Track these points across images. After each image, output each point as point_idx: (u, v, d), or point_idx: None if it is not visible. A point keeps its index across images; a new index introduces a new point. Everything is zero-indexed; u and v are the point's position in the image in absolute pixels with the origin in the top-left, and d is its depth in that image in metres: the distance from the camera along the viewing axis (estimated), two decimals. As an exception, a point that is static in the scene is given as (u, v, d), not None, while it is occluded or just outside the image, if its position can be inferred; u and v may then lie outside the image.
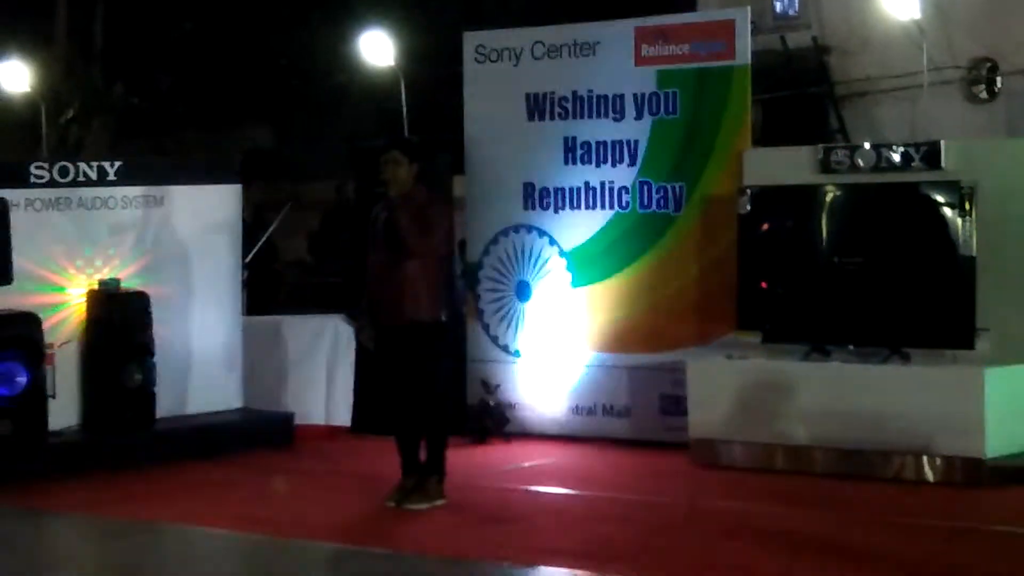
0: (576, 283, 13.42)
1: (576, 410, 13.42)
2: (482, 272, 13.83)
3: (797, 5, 15.79)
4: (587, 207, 13.39)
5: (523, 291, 13.67)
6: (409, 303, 10.62)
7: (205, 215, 13.32)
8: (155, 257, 13.01)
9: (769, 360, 12.09)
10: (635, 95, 13.18)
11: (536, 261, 13.61)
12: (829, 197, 12.13)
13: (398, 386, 10.75)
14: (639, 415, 13.11)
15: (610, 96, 13.29)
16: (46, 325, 12.12)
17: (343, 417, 13.82)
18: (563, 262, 13.49)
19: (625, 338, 13.19)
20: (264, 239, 15.37)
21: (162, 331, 12.67)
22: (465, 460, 12.09)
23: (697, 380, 12.21)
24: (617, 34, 13.28)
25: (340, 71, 17.23)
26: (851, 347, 11.87)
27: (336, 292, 15.17)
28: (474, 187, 13.93)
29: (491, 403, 13.52)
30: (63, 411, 12.35)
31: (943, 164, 11.81)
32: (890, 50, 13.80)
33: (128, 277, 12.77)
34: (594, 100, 13.37)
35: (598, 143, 13.35)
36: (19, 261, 12.02)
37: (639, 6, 13.57)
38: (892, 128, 13.73)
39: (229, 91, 20.01)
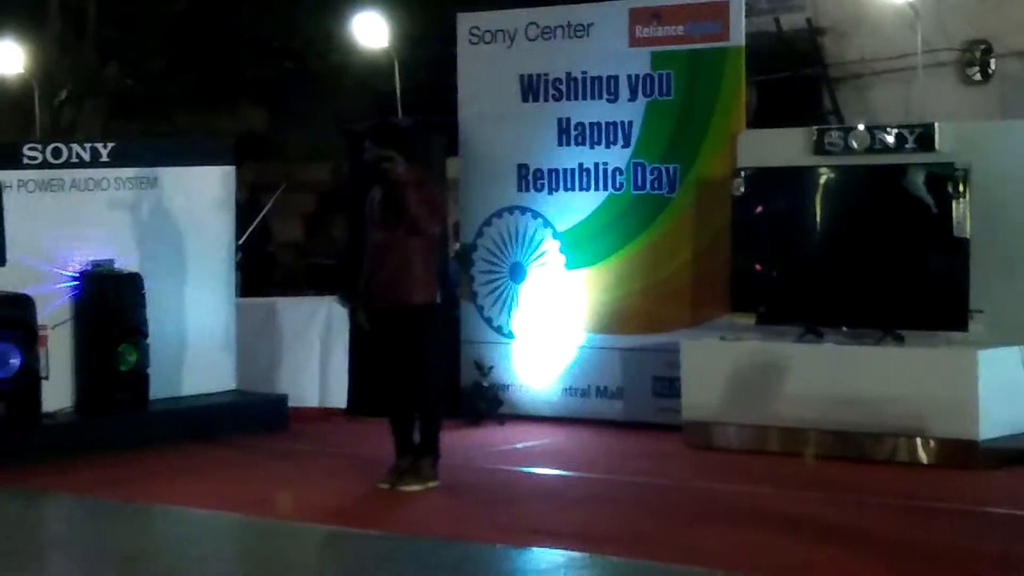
0: (570, 264, 13.41)
1: (569, 392, 13.42)
2: (476, 254, 13.82)
3: (791, -14, 15.77)
4: (581, 188, 13.38)
5: (517, 273, 13.66)
6: (405, 284, 10.62)
7: (199, 197, 13.30)
8: (148, 239, 12.99)
9: (763, 342, 12.09)
10: (629, 76, 13.16)
11: (530, 243, 13.60)
12: (823, 179, 12.12)
13: (392, 367, 10.75)
14: (632, 397, 13.11)
15: (604, 77, 13.27)
16: (39, 307, 12.10)
17: (337, 399, 13.81)
18: (557, 243, 13.48)
19: (619, 320, 13.19)
20: (258, 221, 15.34)
21: (155, 313, 12.66)
22: (459, 442, 12.10)
23: (691, 362, 12.21)
24: (611, 15, 13.26)
25: (334, 53, 17.19)
26: (845, 329, 11.87)
27: (330, 274, 15.15)
28: (468, 169, 13.92)
29: (485, 385, 13.52)
30: (56, 393, 12.34)
31: (937, 146, 11.80)
32: (884, 32, 13.79)
33: (121, 259, 12.75)
34: (588, 81, 13.36)
35: (592, 124, 13.33)
36: (12, 243, 12.01)
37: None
38: (886, 110, 13.72)
39: (223, 73, 19.97)
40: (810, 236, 12.11)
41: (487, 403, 13.45)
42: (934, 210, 11.52)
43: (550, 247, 13.51)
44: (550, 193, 13.53)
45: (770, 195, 12.29)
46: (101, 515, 10.51)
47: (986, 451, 11.06)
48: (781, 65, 14.92)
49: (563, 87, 13.47)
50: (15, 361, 11.90)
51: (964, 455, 11.06)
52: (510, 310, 13.67)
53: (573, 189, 13.42)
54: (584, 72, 13.37)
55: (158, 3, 20.06)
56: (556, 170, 13.50)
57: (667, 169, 13.03)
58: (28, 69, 17.39)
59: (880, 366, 11.47)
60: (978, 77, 13.52)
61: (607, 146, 13.28)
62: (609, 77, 13.25)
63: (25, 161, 12.49)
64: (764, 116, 13.53)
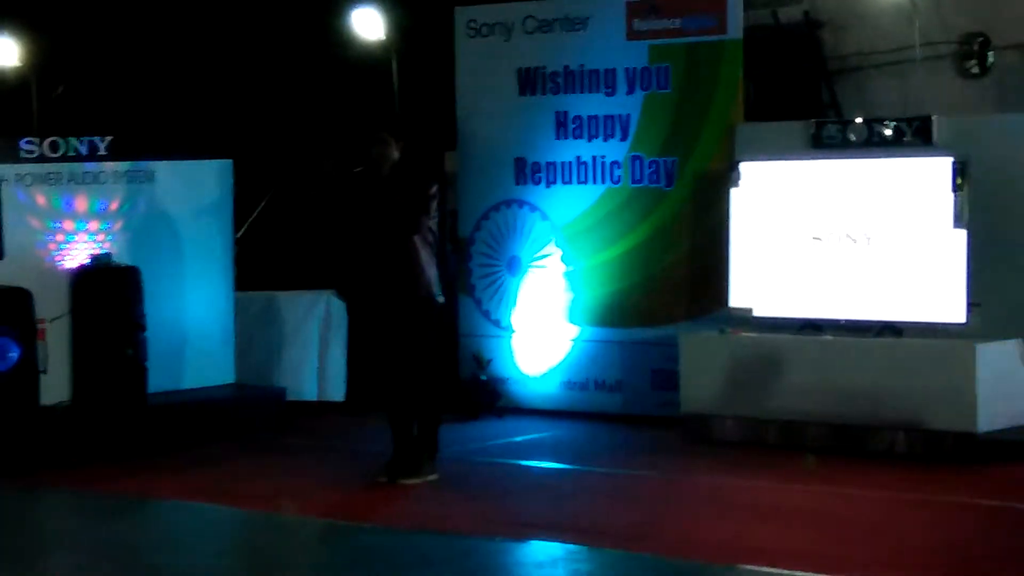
0: (568, 258, 13.41)
1: (568, 385, 13.43)
2: (474, 247, 13.82)
3: (789, -21, 15.74)
4: (579, 182, 13.38)
5: (515, 266, 13.66)
6: (404, 280, 10.61)
7: (197, 190, 13.29)
8: (146, 232, 12.98)
9: (761, 335, 12.08)
10: (627, 70, 13.16)
11: (528, 236, 13.60)
12: (821, 172, 12.12)
13: (390, 361, 10.74)
14: (631, 390, 13.12)
15: (602, 71, 13.27)
16: (37, 300, 12.09)
17: (335, 392, 13.80)
18: (555, 237, 13.47)
19: (617, 312, 13.19)
20: (256, 214, 15.30)
21: (154, 306, 12.64)
22: (457, 435, 12.10)
23: (689, 355, 12.21)
24: (608, 8, 13.25)
25: (331, 46, 17.16)
26: (843, 322, 11.87)
27: (326, 268, 15.11)
28: (465, 162, 13.92)
29: (483, 378, 13.52)
30: (55, 386, 12.33)
31: (935, 139, 11.80)
32: (882, 25, 13.75)
33: (120, 252, 12.74)
34: (585, 75, 13.35)
35: (590, 118, 13.33)
36: (10, 236, 12.01)
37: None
38: (884, 103, 13.68)
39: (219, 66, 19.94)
40: (808, 229, 12.09)
41: (485, 396, 13.45)
42: (932, 203, 11.52)
43: (548, 240, 13.50)
44: (548, 186, 13.53)
45: (768, 188, 12.28)
46: (99, 509, 10.51)
47: (985, 444, 11.06)
48: (779, 58, 14.89)
49: (561, 80, 13.46)
50: (13, 354, 11.89)
51: (963, 448, 11.07)
52: (508, 303, 13.67)
53: (571, 182, 13.41)
54: (582, 65, 13.37)
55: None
56: (554, 163, 13.49)
57: (665, 162, 13.03)
58: (25, 62, 17.35)
59: (879, 359, 11.47)
60: (976, 70, 13.49)
61: (605, 139, 13.28)
62: (607, 70, 13.25)
63: (23, 155, 12.49)
64: (762, 109, 13.51)
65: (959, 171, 11.40)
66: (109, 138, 12.91)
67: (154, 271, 12.73)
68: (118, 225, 12.87)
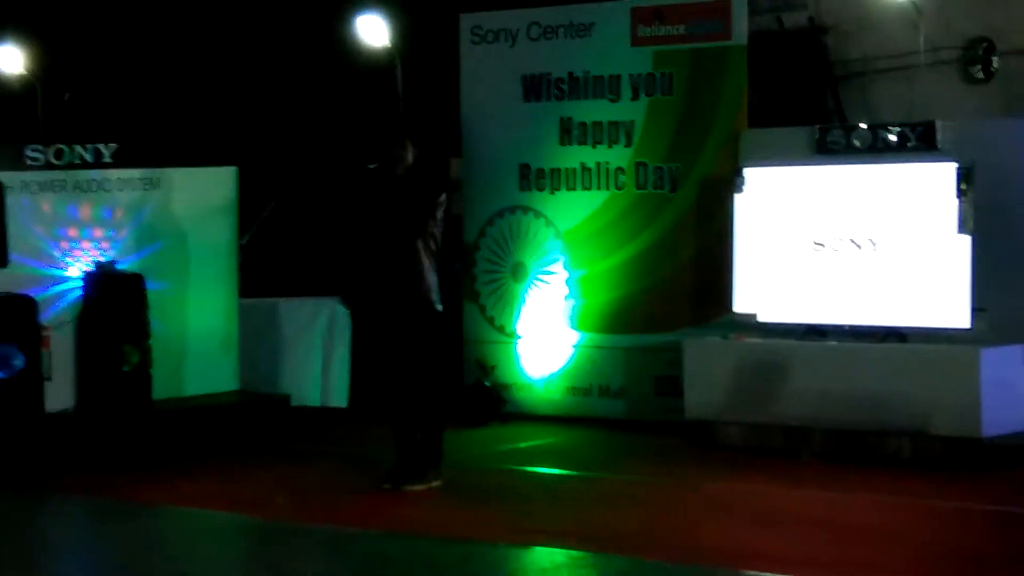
0: (572, 264, 13.41)
1: (572, 391, 13.43)
2: (478, 253, 13.82)
3: (793, -15, 15.76)
4: (583, 188, 13.38)
5: (519, 272, 13.66)
6: (404, 283, 10.62)
7: (202, 197, 13.30)
8: (151, 239, 13.00)
9: (765, 340, 12.08)
10: (631, 76, 13.17)
11: (532, 242, 13.61)
12: (826, 177, 12.11)
13: (394, 368, 10.74)
14: (635, 396, 13.11)
15: (606, 77, 13.28)
16: (42, 308, 12.10)
17: (339, 399, 13.81)
18: (559, 243, 13.47)
19: (621, 318, 13.19)
20: (260, 220, 15.31)
21: (158, 313, 12.64)
22: (461, 441, 12.10)
23: (693, 361, 12.21)
24: (613, 14, 13.26)
25: (336, 53, 17.18)
26: (847, 327, 11.86)
27: (331, 275, 15.12)
28: (470, 168, 13.92)
29: (487, 384, 13.52)
30: (59, 393, 12.33)
31: (939, 144, 11.80)
32: (886, 30, 13.75)
33: (124, 259, 12.75)
34: (590, 81, 13.36)
35: (594, 124, 13.34)
36: (15, 244, 12.01)
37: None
38: (888, 108, 13.68)
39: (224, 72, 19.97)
40: (812, 234, 12.09)
41: (490, 402, 13.45)
42: (936, 208, 11.51)
43: (552, 246, 13.50)
44: (552, 192, 13.54)
45: (772, 193, 12.28)
46: (103, 516, 10.51)
47: (990, 449, 11.05)
48: (783, 64, 14.89)
49: (565, 86, 13.47)
50: (18, 362, 11.89)
51: (968, 453, 11.06)
52: (512, 310, 13.67)
53: (575, 188, 13.42)
54: (586, 72, 13.38)
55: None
56: (558, 169, 13.50)
57: (669, 168, 13.03)
58: (30, 70, 17.37)
59: (883, 364, 11.46)
60: (980, 75, 13.49)
61: (609, 145, 13.28)
62: (611, 76, 13.26)
63: (28, 162, 12.51)
64: (766, 115, 13.51)
65: (963, 176, 11.40)
66: (114, 145, 12.93)
67: (158, 278, 12.75)
68: (123, 232, 12.88)
